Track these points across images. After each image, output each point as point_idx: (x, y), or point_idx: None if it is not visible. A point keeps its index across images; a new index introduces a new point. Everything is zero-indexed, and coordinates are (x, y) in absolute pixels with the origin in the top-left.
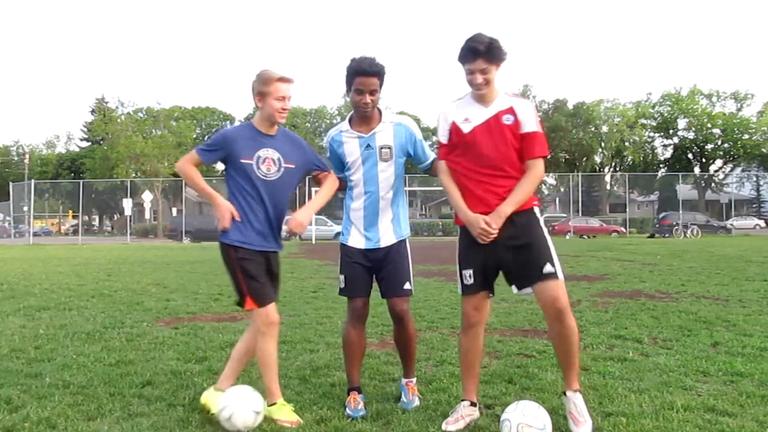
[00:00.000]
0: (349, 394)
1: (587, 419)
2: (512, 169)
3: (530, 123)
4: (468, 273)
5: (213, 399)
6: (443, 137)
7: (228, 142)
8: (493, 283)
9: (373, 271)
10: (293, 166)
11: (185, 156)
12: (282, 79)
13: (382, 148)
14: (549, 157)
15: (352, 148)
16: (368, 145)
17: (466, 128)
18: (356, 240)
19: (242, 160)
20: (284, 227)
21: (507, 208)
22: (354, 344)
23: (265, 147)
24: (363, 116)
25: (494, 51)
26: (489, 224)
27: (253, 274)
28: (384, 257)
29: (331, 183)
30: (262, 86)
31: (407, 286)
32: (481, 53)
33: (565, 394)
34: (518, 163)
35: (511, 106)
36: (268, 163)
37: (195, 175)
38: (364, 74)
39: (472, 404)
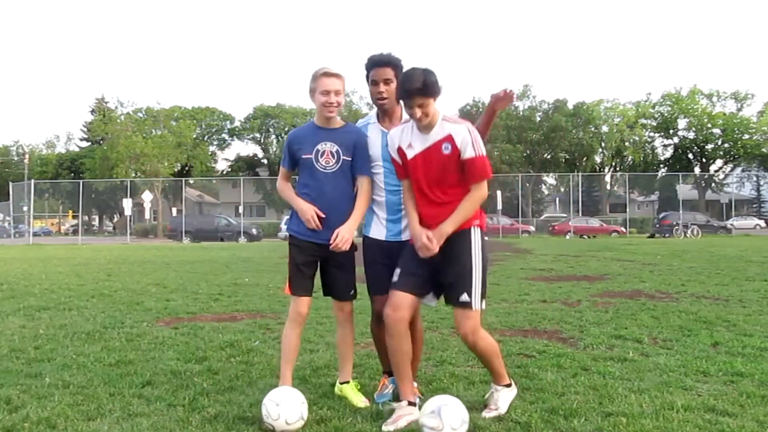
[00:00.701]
0: (382, 377)
1: (500, 409)
2: (453, 194)
3: (468, 149)
4: (397, 271)
5: (347, 392)
6: (397, 158)
7: (290, 144)
8: (422, 288)
9: (392, 269)
10: (351, 159)
11: (280, 174)
12: (326, 74)
13: None
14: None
15: (374, 141)
16: None
17: (409, 154)
18: (377, 230)
19: (303, 156)
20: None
21: (447, 227)
22: (381, 339)
23: (324, 140)
24: (384, 111)
25: (428, 88)
26: (431, 240)
27: (298, 262)
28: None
29: (368, 191)
30: (311, 83)
31: None
32: (415, 93)
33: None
34: (459, 187)
35: (449, 134)
36: (326, 155)
37: (286, 189)
38: (377, 65)
39: (410, 404)
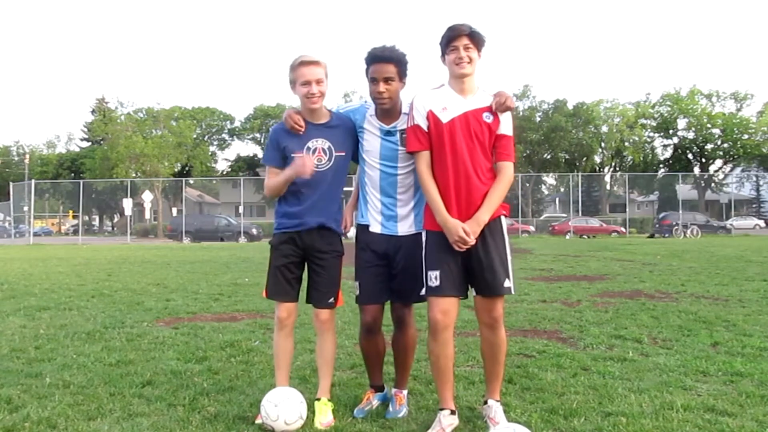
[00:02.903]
0: (368, 391)
1: (505, 423)
2: (485, 168)
3: (507, 125)
4: (434, 274)
5: (319, 408)
6: (424, 124)
7: (278, 139)
8: (463, 286)
9: (389, 268)
10: (344, 154)
11: (267, 176)
12: (303, 63)
13: (403, 133)
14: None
15: (372, 139)
16: (389, 132)
17: (444, 117)
18: (373, 222)
19: (293, 154)
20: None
21: (484, 215)
22: (369, 353)
23: (315, 137)
24: (383, 111)
25: (476, 34)
26: (468, 233)
27: (276, 265)
28: (399, 250)
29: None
30: (290, 74)
31: (422, 292)
32: (465, 32)
33: (486, 402)
34: (490, 163)
35: (491, 104)
36: (318, 153)
37: (271, 182)
38: (376, 60)
39: (452, 412)
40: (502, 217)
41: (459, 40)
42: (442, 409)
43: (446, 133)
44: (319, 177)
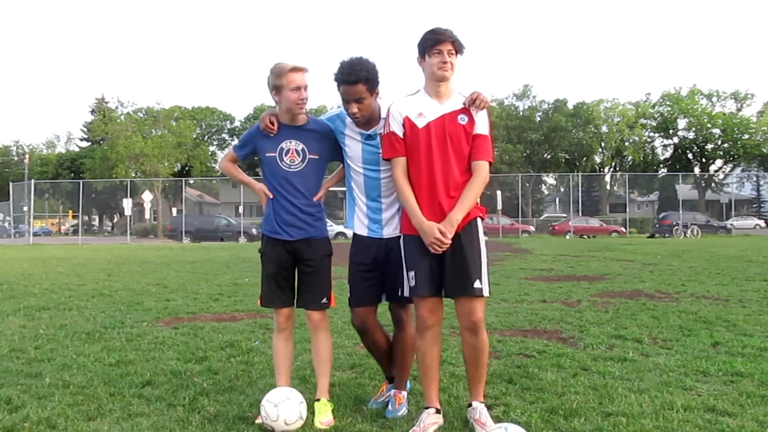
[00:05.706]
0: (383, 382)
1: (492, 424)
2: (461, 171)
3: (483, 125)
4: (411, 274)
5: (318, 408)
6: (399, 131)
7: (253, 139)
8: (440, 286)
9: (380, 271)
10: (318, 157)
11: (225, 155)
12: (294, 69)
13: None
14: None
15: (351, 142)
16: (369, 136)
17: (419, 123)
18: (359, 227)
19: (267, 154)
20: None
21: (458, 215)
22: (369, 349)
23: (289, 138)
24: (357, 124)
25: (459, 41)
26: (444, 234)
27: (268, 273)
28: (389, 254)
29: (343, 172)
30: (276, 80)
31: (406, 293)
32: (450, 37)
33: (470, 405)
34: (468, 165)
35: (465, 106)
36: (291, 154)
37: (232, 169)
38: (344, 83)
39: (437, 411)
40: (478, 220)
41: (444, 44)
42: (427, 408)
43: (422, 137)
44: (294, 176)
